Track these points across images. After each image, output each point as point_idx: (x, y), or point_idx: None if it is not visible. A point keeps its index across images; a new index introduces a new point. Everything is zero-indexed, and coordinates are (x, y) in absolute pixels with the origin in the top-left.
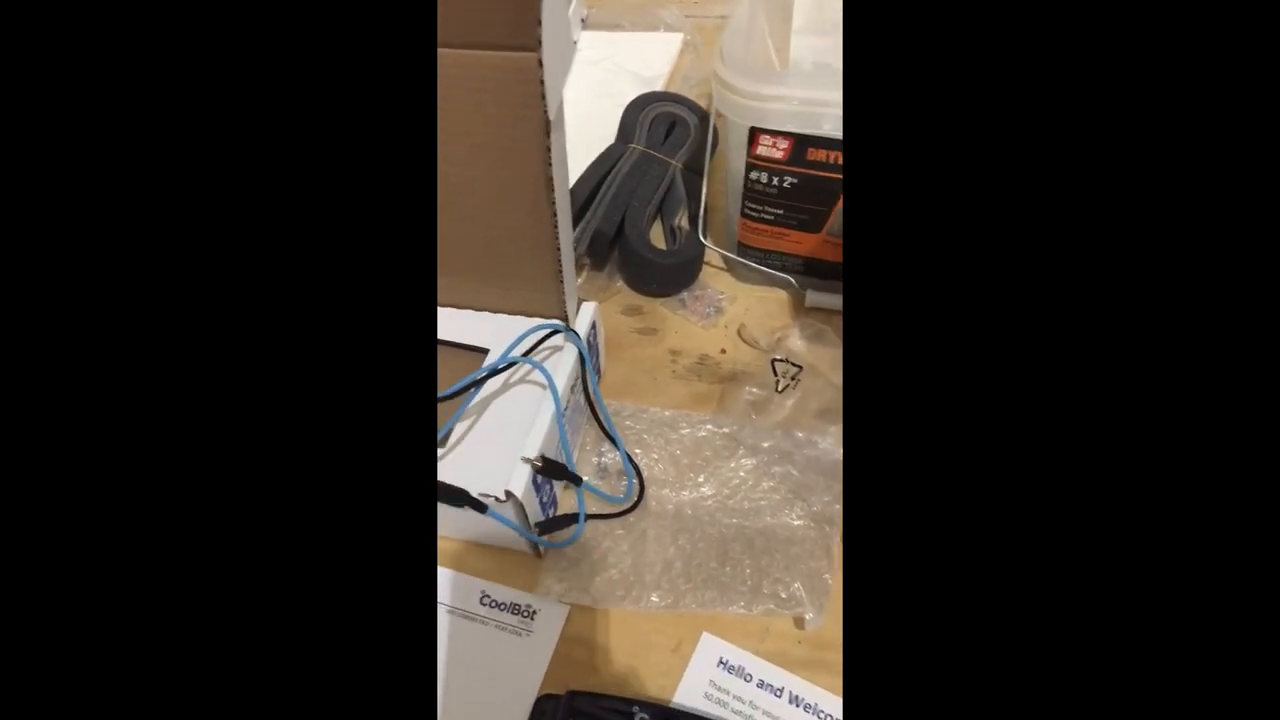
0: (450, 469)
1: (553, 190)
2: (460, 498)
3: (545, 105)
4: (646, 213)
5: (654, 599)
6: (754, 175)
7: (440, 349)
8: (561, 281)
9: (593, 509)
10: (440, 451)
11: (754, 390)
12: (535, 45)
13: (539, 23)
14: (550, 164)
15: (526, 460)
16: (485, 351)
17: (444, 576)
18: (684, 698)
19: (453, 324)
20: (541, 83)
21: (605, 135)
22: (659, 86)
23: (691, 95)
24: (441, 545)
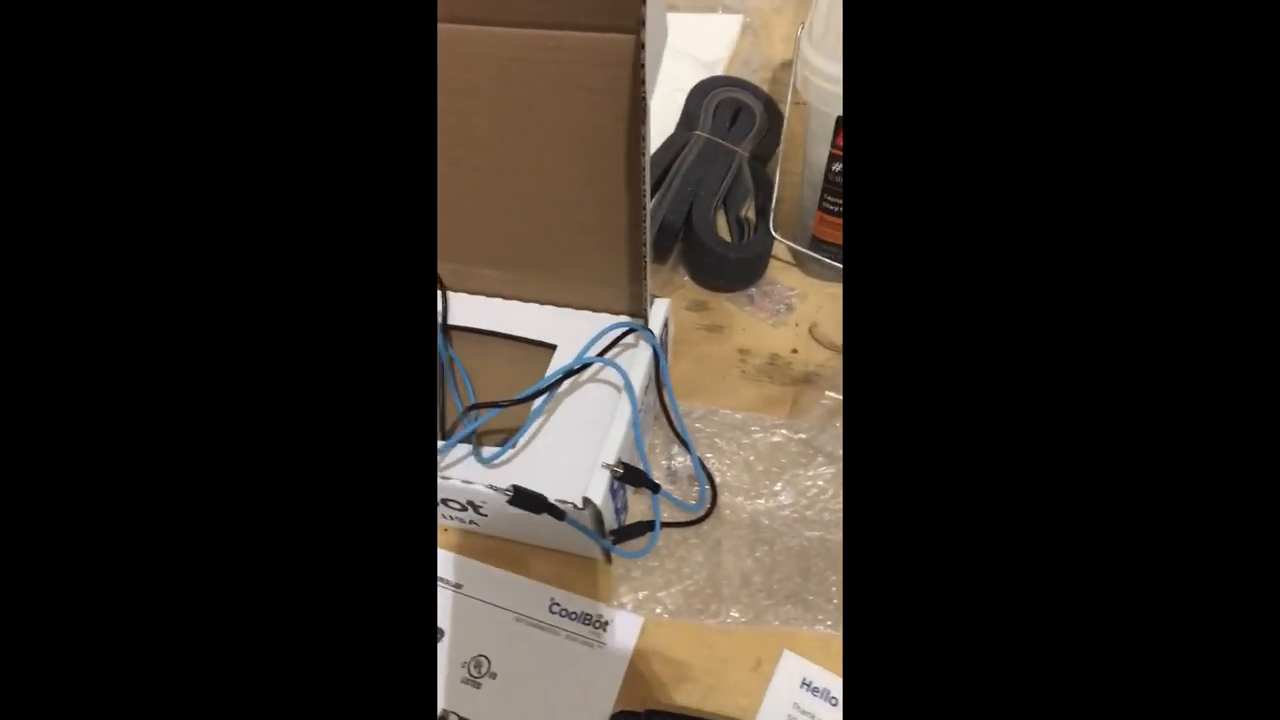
0: (525, 472)
1: (642, 181)
2: (539, 504)
3: (644, 91)
4: (713, 204)
5: (734, 614)
6: (837, 167)
7: (506, 343)
8: (643, 277)
9: (664, 515)
10: (512, 452)
11: (832, 394)
12: (637, 26)
13: (643, 1)
14: (643, 153)
15: (606, 466)
16: (553, 347)
17: (510, 581)
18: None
19: (517, 318)
20: (642, 66)
21: (659, 120)
22: (719, 71)
23: (752, 80)
24: (504, 548)
